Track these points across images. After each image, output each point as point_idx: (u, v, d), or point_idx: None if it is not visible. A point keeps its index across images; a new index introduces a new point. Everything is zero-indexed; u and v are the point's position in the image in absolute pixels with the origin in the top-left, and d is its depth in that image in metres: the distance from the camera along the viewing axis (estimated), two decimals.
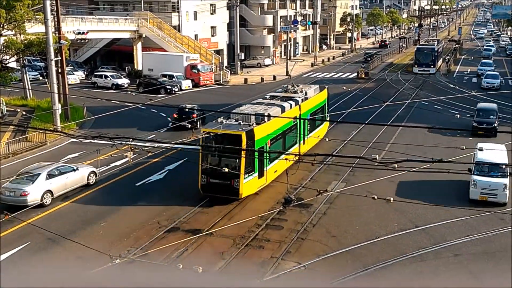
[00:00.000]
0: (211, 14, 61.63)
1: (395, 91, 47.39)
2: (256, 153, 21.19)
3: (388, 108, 35.73)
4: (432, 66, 58.49)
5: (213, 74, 52.73)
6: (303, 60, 66.02)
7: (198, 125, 32.00)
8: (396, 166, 20.21)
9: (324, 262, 16.35)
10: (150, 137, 28.76)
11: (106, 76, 49.88)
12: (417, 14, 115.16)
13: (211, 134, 21.09)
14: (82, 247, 15.75)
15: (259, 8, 70.89)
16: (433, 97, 40.83)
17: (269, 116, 22.73)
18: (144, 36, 55.39)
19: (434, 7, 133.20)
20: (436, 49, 60.11)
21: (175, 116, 33.16)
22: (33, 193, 20.34)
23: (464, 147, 24.05)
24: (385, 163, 22.02)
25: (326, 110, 31.50)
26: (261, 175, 21.72)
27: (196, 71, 50.66)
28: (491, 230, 18.30)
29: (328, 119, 31.58)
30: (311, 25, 78.53)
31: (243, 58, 63.49)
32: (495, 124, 30.79)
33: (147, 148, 20.94)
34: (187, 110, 33.58)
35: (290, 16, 74.62)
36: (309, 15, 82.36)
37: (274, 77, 55.83)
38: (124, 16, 55.39)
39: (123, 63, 59.74)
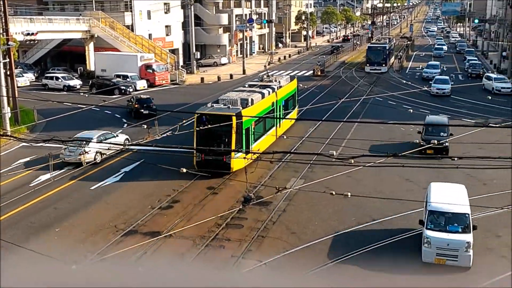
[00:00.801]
0: (165, 13, 60.88)
1: (350, 87, 48.09)
2: (245, 131, 24.15)
3: (344, 105, 36.24)
4: (384, 65, 58.14)
5: (169, 74, 52.11)
6: (277, 52, 67.06)
7: (155, 125, 31.49)
8: (352, 161, 20.47)
9: (284, 258, 16.36)
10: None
11: (57, 78, 48.52)
12: (370, 12, 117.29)
13: (204, 115, 23.57)
14: (35, 254, 15.20)
15: (214, 7, 70.57)
16: (387, 93, 41.64)
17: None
18: (96, 36, 54.15)
19: (386, 4, 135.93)
20: (387, 48, 59.88)
21: (136, 106, 35.55)
22: (89, 152, 24.85)
23: (418, 141, 24.73)
24: (342, 159, 22.21)
25: (297, 98, 35.18)
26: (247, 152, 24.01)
27: (151, 71, 49.93)
28: None
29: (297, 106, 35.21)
30: (266, 24, 78.81)
31: (199, 57, 63.03)
32: (447, 143, 25.98)
33: (101, 150, 20.45)
34: (144, 98, 36.88)
35: (246, 14, 74.64)
36: (265, 13, 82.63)
37: (231, 76, 55.67)
38: (75, 16, 54.01)
39: (75, 64, 58.26)
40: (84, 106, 28.46)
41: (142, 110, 34.84)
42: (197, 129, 23.28)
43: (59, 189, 22.47)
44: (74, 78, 50.39)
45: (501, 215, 18.94)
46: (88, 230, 18.44)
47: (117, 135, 28.10)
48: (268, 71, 36.68)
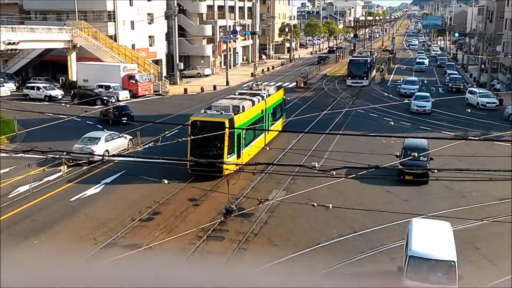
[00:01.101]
0: (149, 23, 60.83)
1: (333, 100, 48.43)
2: (237, 136, 25.46)
3: (326, 117, 36.44)
4: (365, 78, 57.78)
5: (152, 84, 51.95)
6: (265, 62, 67.50)
7: (138, 136, 31.33)
8: (334, 173, 20.53)
9: (266, 271, 16.30)
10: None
11: (38, 88, 48.06)
12: (352, 25, 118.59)
13: (198, 121, 24.90)
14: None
15: (198, 18, 70.70)
16: (368, 106, 42.01)
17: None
18: (78, 46, 53.80)
19: (369, 18, 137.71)
20: (369, 61, 59.49)
21: (115, 113, 36.88)
22: (98, 151, 26.57)
23: (398, 154, 24.91)
24: (324, 171, 22.31)
25: (284, 105, 36.68)
26: (238, 156, 25.54)
27: (134, 81, 49.73)
28: None
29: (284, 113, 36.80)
30: (250, 35, 79.15)
31: (182, 68, 62.96)
32: (427, 165, 24.17)
33: (82, 161, 20.24)
34: (121, 106, 38.44)
35: (230, 26, 74.84)
36: (248, 25, 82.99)
37: (215, 87, 55.70)
38: (57, 25, 53.62)
39: (57, 74, 57.78)
40: (66, 117, 28.17)
41: (120, 118, 35.97)
42: (191, 134, 24.24)
43: (38, 201, 22.16)
44: (56, 88, 49.94)
45: (480, 227, 19.16)
46: (67, 243, 18.19)
47: (122, 136, 29.83)
48: (257, 80, 41.03)
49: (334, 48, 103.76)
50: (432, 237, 14.78)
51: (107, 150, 27.22)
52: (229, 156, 24.87)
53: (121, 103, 39.91)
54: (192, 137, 23.96)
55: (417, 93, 46.12)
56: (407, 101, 36.48)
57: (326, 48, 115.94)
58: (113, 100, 45.63)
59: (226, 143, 24.60)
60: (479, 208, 21.18)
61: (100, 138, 28.08)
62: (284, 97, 36.52)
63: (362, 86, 56.44)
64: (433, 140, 28.16)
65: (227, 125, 24.51)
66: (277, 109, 34.14)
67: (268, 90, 33.11)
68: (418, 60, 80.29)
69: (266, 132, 30.82)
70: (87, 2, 56.94)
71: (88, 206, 21.81)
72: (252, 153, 27.88)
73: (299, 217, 20.40)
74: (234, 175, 23.41)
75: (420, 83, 56.27)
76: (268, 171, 25.34)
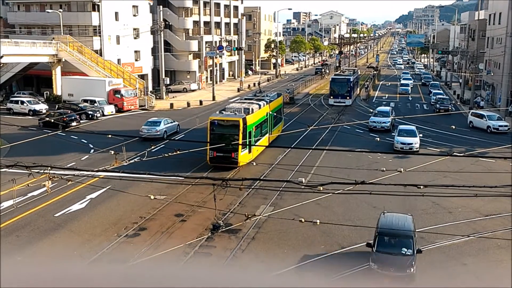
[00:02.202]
0: (135, 38, 60.83)
1: (319, 115, 48.68)
2: (248, 134, 29.50)
3: (312, 132, 36.59)
4: (348, 98, 54.77)
5: (138, 99, 51.77)
6: (267, 73, 68.38)
7: (123, 151, 31.00)
8: (321, 188, 20.54)
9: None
10: (70, 165, 27.54)
11: (22, 102, 47.62)
12: (337, 42, 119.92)
13: (216, 120, 29.21)
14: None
15: (184, 34, 70.91)
16: (354, 122, 42.30)
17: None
18: (63, 60, 53.54)
19: (353, 35, 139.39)
20: (351, 80, 56.46)
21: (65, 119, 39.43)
22: (160, 130, 37.01)
23: (384, 169, 25.01)
24: (311, 186, 22.30)
25: (282, 111, 41.05)
26: (249, 151, 30.00)
27: (119, 96, 49.51)
28: None
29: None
30: (236, 51, 79.52)
31: (168, 83, 62.93)
32: (412, 263, 18.46)
33: (67, 176, 19.93)
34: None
35: (216, 41, 75.21)
36: (234, 41, 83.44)
37: (201, 102, 55.68)
38: (42, 40, 53.34)
39: (41, 88, 57.35)
40: (50, 131, 27.88)
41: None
42: (211, 132, 29.07)
43: (22, 216, 21.76)
44: (40, 102, 49.54)
45: (467, 243, 19.24)
46: (51, 259, 17.83)
47: (174, 121, 39.48)
48: (260, 87, 48.53)
49: (327, 62, 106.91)
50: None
51: (165, 131, 37.22)
52: (243, 150, 29.05)
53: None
54: (210, 134, 28.92)
55: (401, 127, 36.54)
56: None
57: (311, 64, 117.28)
58: (98, 115, 45.34)
59: (240, 137, 28.59)
60: (465, 224, 21.29)
61: (161, 121, 37.89)
62: (283, 103, 41.24)
63: (344, 106, 53.94)
64: (420, 155, 28.33)
65: (241, 123, 28.57)
66: (278, 112, 38.65)
67: (270, 96, 37.44)
68: (402, 82, 74.03)
69: (269, 133, 35.18)
70: (73, 16, 56.87)
71: (73, 221, 21.49)
72: (260, 149, 32.31)
73: (286, 233, 20.30)
74: (221, 190, 23.24)
75: (393, 114, 44.22)
76: (255, 186, 25.27)
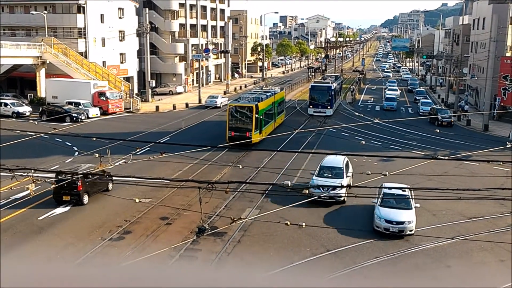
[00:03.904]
0: (121, 40, 60.47)
1: (305, 118, 48.79)
2: (259, 118, 36.08)
3: (299, 135, 36.64)
4: (328, 107, 49.55)
5: (123, 102, 51.45)
6: (256, 77, 69.73)
7: (108, 154, 30.76)
8: (307, 192, 20.57)
9: None
10: (54, 168, 27.24)
11: (6, 104, 47.04)
12: (323, 46, 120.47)
13: (235, 106, 36.39)
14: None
15: (170, 36, 70.71)
16: (340, 125, 42.47)
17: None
18: (48, 62, 53.02)
19: (339, 39, 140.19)
20: (333, 87, 50.68)
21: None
22: (218, 102, 52.60)
23: (370, 172, 25.13)
24: (296, 189, 22.42)
25: (284, 103, 47.45)
26: (260, 132, 36.55)
27: (104, 98, 49.15)
28: (398, 251, 19.04)
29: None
30: (222, 54, 79.50)
31: (154, 85, 62.65)
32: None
33: (51, 179, 19.72)
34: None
35: (202, 44, 75.09)
36: (221, 44, 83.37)
37: (187, 104, 55.50)
38: (26, 41, 52.81)
39: (25, 90, 56.74)
40: (33, 134, 27.57)
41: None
42: (230, 116, 35.75)
43: (4, 220, 21.47)
44: (24, 104, 48.99)
45: (451, 246, 19.40)
46: (34, 263, 17.60)
47: (224, 96, 53.56)
48: (266, 82, 62.57)
49: (320, 62, 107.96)
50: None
51: (221, 102, 52.59)
52: (255, 131, 35.45)
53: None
54: (230, 117, 35.66)
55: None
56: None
57: (298, 67, 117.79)
58: (83, 117, 44.98)
59: (253, 120, 35.29)
60: (449, 226, 21.46)
61: (218, 96, 55.25)
62: (284, 96, 47.92)
63: (325, 116, 49.23)
64: (403, 159, 28.52)
65: (254, 108, 35.40)
66: (281, 104, 45.02)
67: (274, 89, 44.56)
68: (387, 95, 62.02)
69: (274, 120, 41.76)
70: (57, 18, 56.41)
71: (56, 225, 21.25)
72: (268, 131, 39.11)
73: (272, 236, 20.29)
74: (207, 193, 23.16)
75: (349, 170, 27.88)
76: (241, 189, 25.23)
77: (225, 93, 67.94)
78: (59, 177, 19.71)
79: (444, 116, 47.50)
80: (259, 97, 38.39)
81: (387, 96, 61.04)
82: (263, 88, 46.37)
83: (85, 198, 23.56)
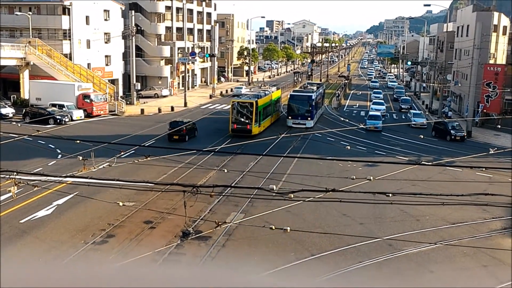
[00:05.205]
0: (106, 43, 60.11)
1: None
2: (259, 112, 41.73)
3: (284, 140, 36.69)
4: (309, 118, 45.78)
5: (108, 104, 51.07)
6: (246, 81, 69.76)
7: (92, 156, 30.48)
8: (292, 196, 20.49)
9: None
10: (37, 170, 26.90)
11: None
12: (309, 51, 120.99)
13: (237, 102, 41.85)
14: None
15: (156, 39, 70.47)
16: (326, 130, 42.63)
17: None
18: (32, 63, 52.49)
19: (325, 44, 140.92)
20: (313, 97, 46.85)
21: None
22: (243, 91, 62.56)
23: (354, 177, 25.26)
24: (282, 193, 22.25)
25: (280, 101, 53.82)
26: (259, 125, 41.82)
27: (88, 100, 48.75)
28: (381, 256, 19.12)
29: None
30: (209, 58, 79.43)
31: (139, 88, 62.32)
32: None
33: (34, 182, 19.47)
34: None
35: (188, 48, 74.96)
36: (207, 47, 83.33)
37: (172, 108, 55.27)
38: (10, 42, 52.21)
39: (8, 91, 56.04)
40: (16, 136, 27.22)
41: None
42: (233, 110, 40.77)
43: None
44: (7, 106, 48.34)
45: (434, 251, 19.53)
46: (15, 267, 17.34)
47: (243, 86, 61.00)
48: (264, 82, 73.40)
49: (307, 66, 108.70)
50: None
51: (246, 91, 58.54)
52: (255, 124, 40.64)
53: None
54: (233, 112, 40.63)
55: None
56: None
57: (284, 72, 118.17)
58: (67, 120, 44.56)
59: (254, 114, 40.36)
60: (433, 231, 21.62)
61: (243, 87, 65.65)
62: (281, 95, 54.01)
63: (305, 128, 45.39)
64: (388, 164, 28.74)
65: (254, 104, 40.66)
66: (277, 102, 51.08)
67: (271, 89, 50.48)
68: (371, 111, 53.60)
69: (271, 115, 47.02)
70: (42, 19, 55.90)
71: (39, 228, 20.97)
72: (266, 125, 44.46)
73: (257, 240, 20.25)
74: (191, 197, 23.07)
75: None
76: (226, 193, 25.17)
77: (210, 96, 67.88)
78: None
79: (458, 131, 43.65)
80: (258, 95, 43.91)
81: (371, 113, 51.34)
82: (262, 88, 54.45)
83: None
